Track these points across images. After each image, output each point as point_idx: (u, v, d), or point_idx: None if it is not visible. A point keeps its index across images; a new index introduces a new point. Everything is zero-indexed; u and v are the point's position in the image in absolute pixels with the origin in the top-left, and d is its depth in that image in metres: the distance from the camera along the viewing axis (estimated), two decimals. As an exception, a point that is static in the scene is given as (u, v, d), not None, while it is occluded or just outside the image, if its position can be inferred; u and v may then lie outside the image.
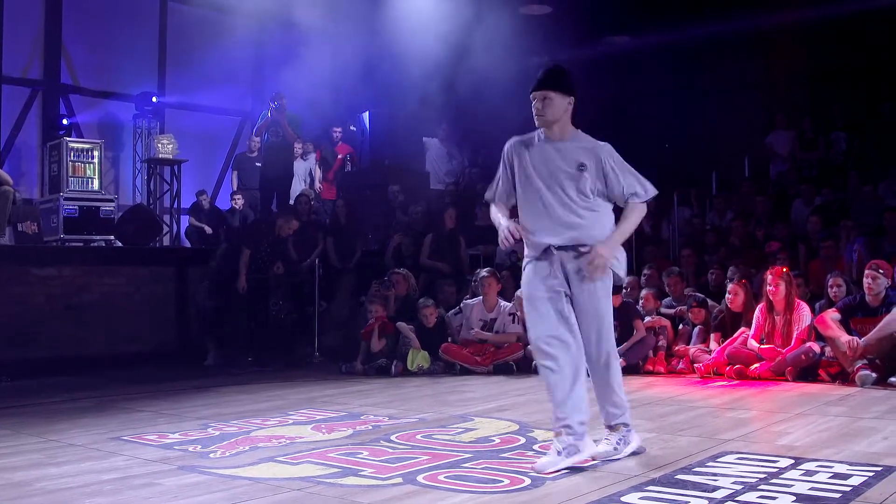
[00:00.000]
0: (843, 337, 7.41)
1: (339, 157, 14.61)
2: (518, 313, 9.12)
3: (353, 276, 11.39)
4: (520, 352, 8.96)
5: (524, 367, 8.81)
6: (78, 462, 4.76)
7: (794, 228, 10.99)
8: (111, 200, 11.72)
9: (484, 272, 9.34)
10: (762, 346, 8.02)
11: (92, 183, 11.61)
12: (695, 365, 8.35)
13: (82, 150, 11.69)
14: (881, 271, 7.59)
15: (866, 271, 7.65)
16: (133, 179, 14.89)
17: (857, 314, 7.62)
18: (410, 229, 12.04)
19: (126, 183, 14.90)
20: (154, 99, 14.65)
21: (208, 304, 10.61)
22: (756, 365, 7.86)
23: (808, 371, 7.74)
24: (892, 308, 7.39)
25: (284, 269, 10.68)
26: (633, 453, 4.52)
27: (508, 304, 9.26)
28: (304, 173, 13.93)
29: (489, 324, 9.15)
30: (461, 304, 9.50)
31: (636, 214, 4.62)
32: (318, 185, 14.22)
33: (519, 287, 9.63)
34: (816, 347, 7.79)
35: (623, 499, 3.63)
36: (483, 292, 9.23)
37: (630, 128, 13.60)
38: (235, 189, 13.65)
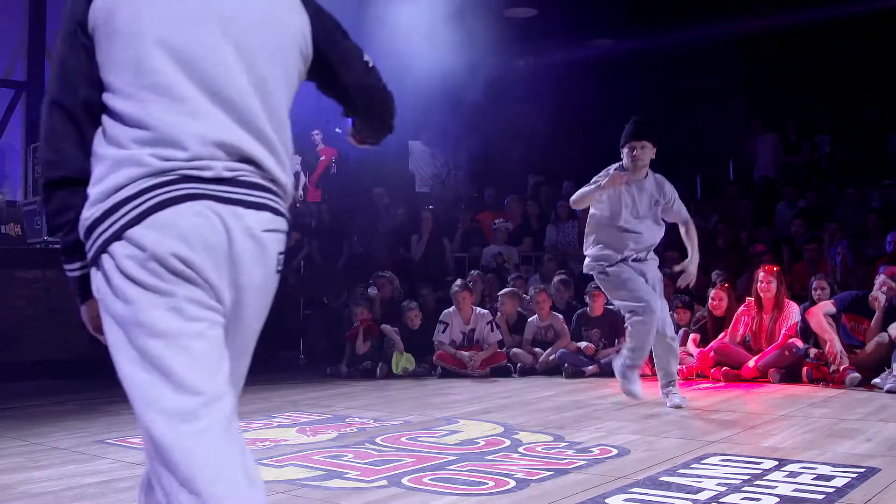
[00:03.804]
0: (834, 343, 7.42)
1: (322, 159, 14.55)
2: (496, 320, 9.16)
3: (340, 278, 11.39)
4: (503, 360, 8.98)
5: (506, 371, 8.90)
6: (61, 465, 4.74)
7: (778, 231, 11.04)
8: (95, 203, 11.63)
9: (456, 286, 9.27)
10: (739, 348, 8.11)
11: (76, 185, 11.53)
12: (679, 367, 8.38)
13: (66, 152, 11.60)
14: None
15: (883, 277, 7.62)
16: (117, 182, 14.80)
17: (854, 311, 7.63)
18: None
19: (110, 185, 14.81)
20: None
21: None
22: (749, 363, 7.89)
23: (792, 369, 7.77)
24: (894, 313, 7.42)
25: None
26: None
27: (484, 311, 9.25)
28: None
29: (468, 335, 9.13)
30: (442, 317, 9.32)
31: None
32: (300, 190, 14.17)
33: (503, 288, 9.70)
34: (800, 343, 7.83)
35: (607, 501, 3.63)
36: (458, 306, 9.18)
37: (614, 131, 13.61)
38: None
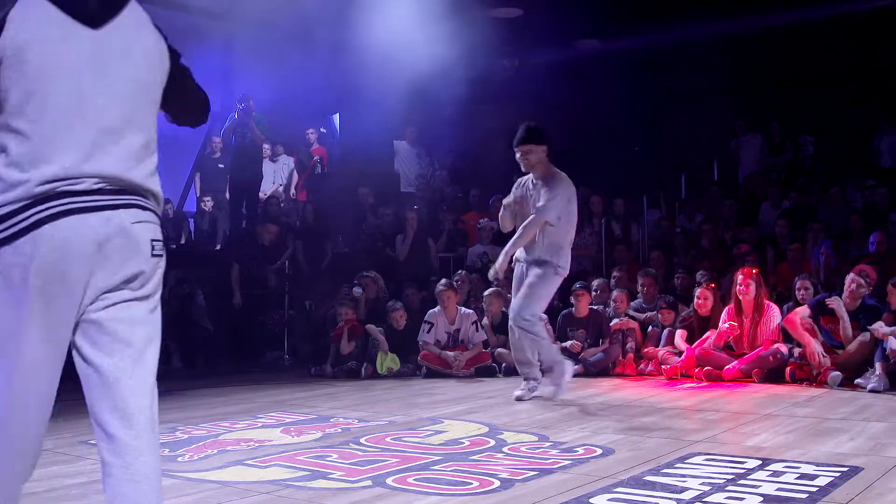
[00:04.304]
0: (813, 346, 7.43)
1: (315, 159, 14.53)
2: (481, 320, 9.17)
3: (324, 278, 11.36)
4: (488, 360, 8.98)
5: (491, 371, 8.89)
6: (44, 466, 4.70)
7: (762, 231, 11.08)
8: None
9: (441, 286, 9.24)
10: (723, 352, 8.11)
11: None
12: (663, 367, 8.38)
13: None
14: (867, 279, 7.62)
15: (852, 275, 7.65)
16: (101, 182, 14.71)
17: (828, 313, 7.65)
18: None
19: (94, 186, 14.72)
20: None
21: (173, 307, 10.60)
22: (728, 366, 7.90)
23: (775, 373, 7.80)
24: (867, 311, 7.45)
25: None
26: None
27: (469, 311, 9.24)
28: (273, 175, 13.85)
29: (452, 335, 9.11)
30: (427, 317, 9.27)
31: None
32: (292, 189, 14.14)
33: (489, 287, 9.69)
34: (784, 349, 7.84)
35: (591, 500, 3.63)
36: (443, 306, 9.16)
37: (600, 131, 13.64)
38: (199, 191, 13.56)
